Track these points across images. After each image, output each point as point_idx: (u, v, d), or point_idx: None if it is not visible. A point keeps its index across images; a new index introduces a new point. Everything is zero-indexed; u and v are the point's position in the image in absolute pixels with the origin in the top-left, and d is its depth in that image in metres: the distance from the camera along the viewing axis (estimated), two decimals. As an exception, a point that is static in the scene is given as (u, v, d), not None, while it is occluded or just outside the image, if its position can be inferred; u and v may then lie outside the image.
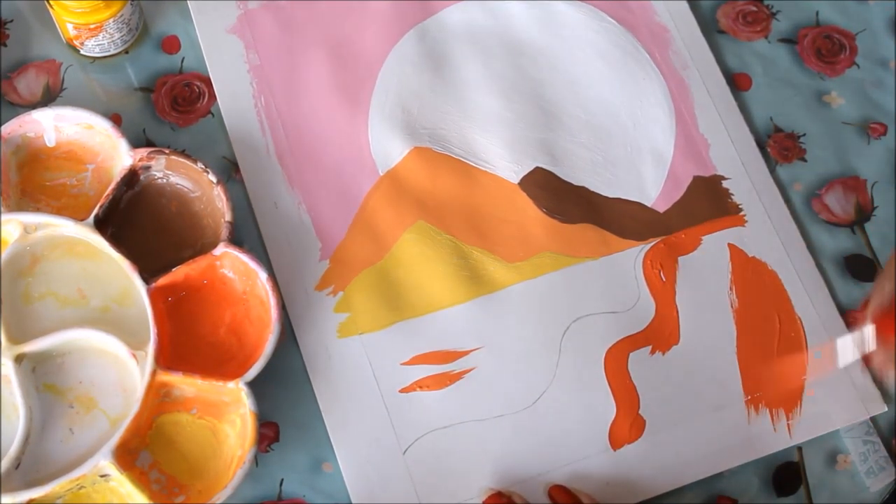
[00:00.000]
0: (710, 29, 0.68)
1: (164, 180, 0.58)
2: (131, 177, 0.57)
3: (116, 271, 0.55)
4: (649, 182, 0.63)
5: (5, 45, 0.63)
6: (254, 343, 0.54)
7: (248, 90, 0.62)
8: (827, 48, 0.68)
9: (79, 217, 0.55)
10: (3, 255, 0.54)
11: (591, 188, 0.62)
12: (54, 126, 0.57)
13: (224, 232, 0.55)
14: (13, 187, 0.57)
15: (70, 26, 0.60)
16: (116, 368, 0.54)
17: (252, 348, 0.54)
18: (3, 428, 0.53)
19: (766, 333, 0.60)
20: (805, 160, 0.65)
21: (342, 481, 0.55)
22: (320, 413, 0.56)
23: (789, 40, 0.68)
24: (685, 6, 0.68)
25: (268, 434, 0.56)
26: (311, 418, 0.56)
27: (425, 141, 0.62)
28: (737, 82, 0.66)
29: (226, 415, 0.53)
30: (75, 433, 0.53)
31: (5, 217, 0.54)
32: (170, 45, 0.64)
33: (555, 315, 0.59)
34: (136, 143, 0.57)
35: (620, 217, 0.62)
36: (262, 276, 0.54)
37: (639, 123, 0.64)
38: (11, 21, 0.64)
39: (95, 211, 0.55)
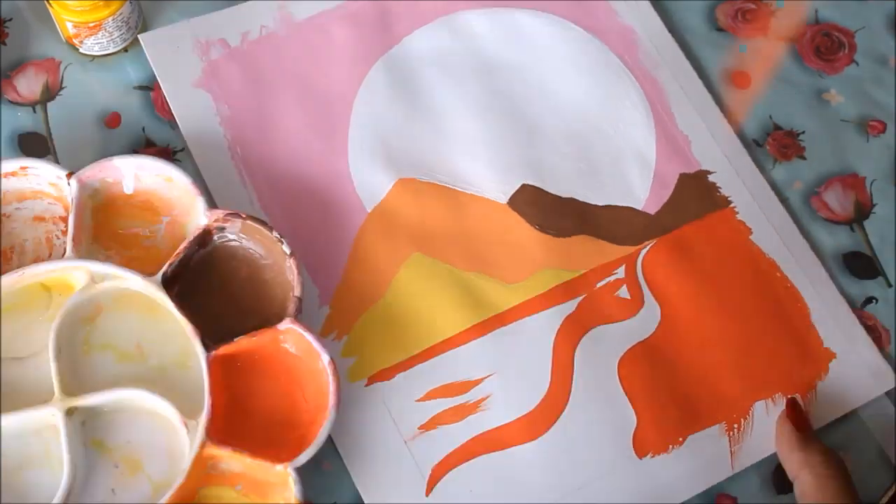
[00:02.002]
0: (709, 27, 0.68)
1: (238, 243, 0.56)
2: (204, 237, 0.56)
3: (177, 332, 0.54)
4: (636, 185, 0.62)
5: (4, 44, 0.63)
6: (307, 425, 0.53)
7: (222, 143, 0.61)
8: (826, 46, 0.68)
9: (148, 270, 0.54)
10: (68, 303, 0.53)
11: (580, 198, 0.62)
12: (134, 174, 0.56)
13: (292, 307, 0.54)
14: (85, 232, 0.56)
15: (69, 25, 0.60)
16: (166, 433, 0.53)
17: (305, 430, 0.53)
18: (46, 481, 0.52)
19: (770, 329, 0.59)
20: (804, 158, 0.65)
21: (342, 481, 0.54)
22: (344, 465, 0.54)
23: (788, 38, 0.68)
24: (647, 5, 0.67)
25: None
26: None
27: (408, 171, 0.61)
28: (735, 80, 0.66)
29: (270, 496, 0.52)
30: (117, 494, 0.52)
31: (75, 264, 0.54)
32: (169, 43, 0.63)
33: (563, 331, 0.58)
34: (135, 142, 0.57)
35: (613, 224, 0.61)
36: (325, 358, 0.53)
37: (618, 128, 0.64)
38: (10, 20, 0.63)
39: (164, 268, 0.54)
